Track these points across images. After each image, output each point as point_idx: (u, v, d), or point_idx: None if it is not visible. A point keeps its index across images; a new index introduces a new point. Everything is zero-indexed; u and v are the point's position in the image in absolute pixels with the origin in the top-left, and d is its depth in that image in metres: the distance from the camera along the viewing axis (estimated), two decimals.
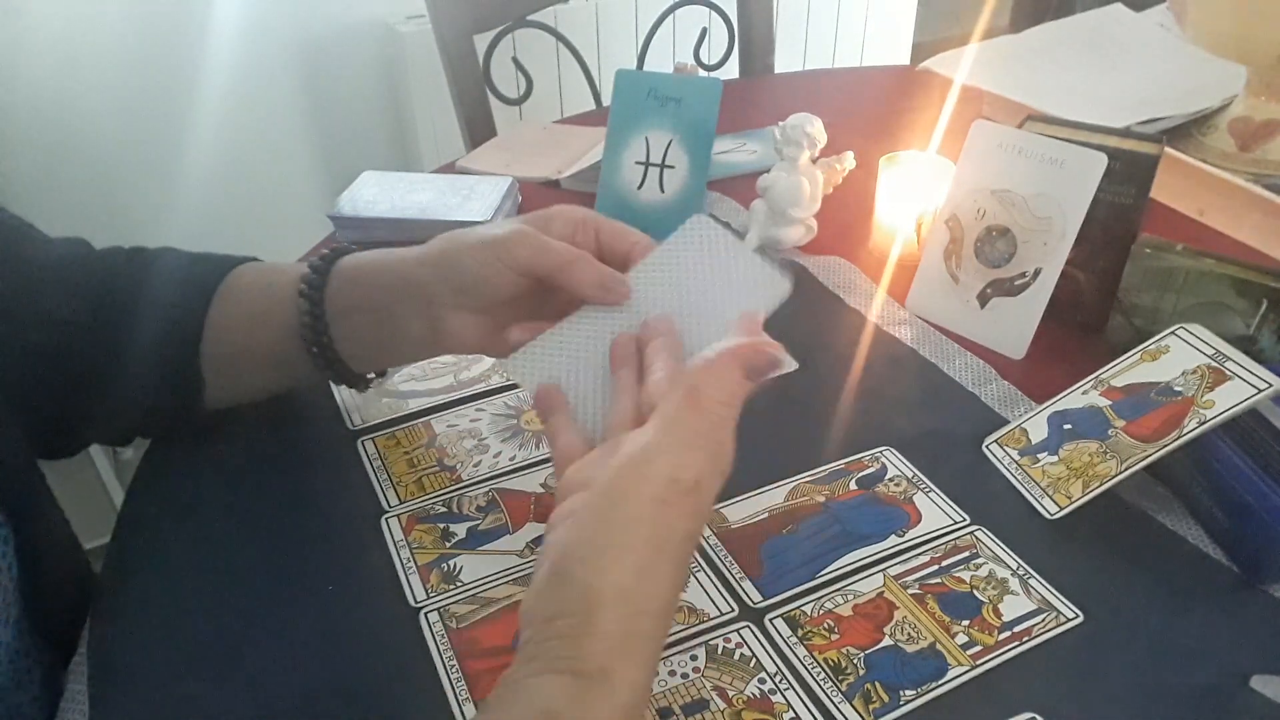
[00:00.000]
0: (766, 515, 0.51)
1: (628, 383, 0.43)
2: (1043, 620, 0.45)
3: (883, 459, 0.55)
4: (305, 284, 0.52)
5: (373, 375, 0.58)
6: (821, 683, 0.43)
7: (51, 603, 0.51)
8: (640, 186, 0.78)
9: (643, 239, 0.49)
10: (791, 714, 0.41)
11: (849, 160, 0.87)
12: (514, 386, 0.62)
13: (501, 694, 0.33)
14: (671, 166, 0.76)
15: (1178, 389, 0.51)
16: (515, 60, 1.28)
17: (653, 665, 0.34)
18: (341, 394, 0.62)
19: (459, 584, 0.48)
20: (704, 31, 1.35)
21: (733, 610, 0.46)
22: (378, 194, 0.83)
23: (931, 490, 0.53)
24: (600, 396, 0.45)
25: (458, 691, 0.43)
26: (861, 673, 0.43)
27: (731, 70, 1.33)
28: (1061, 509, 0.50)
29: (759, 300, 0.45)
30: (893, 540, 0.50)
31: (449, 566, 0.49)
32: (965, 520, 0.51)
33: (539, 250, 0.47)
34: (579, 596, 0.33)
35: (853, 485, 0.53)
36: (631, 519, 0.34)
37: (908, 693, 0.42)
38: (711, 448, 0.35)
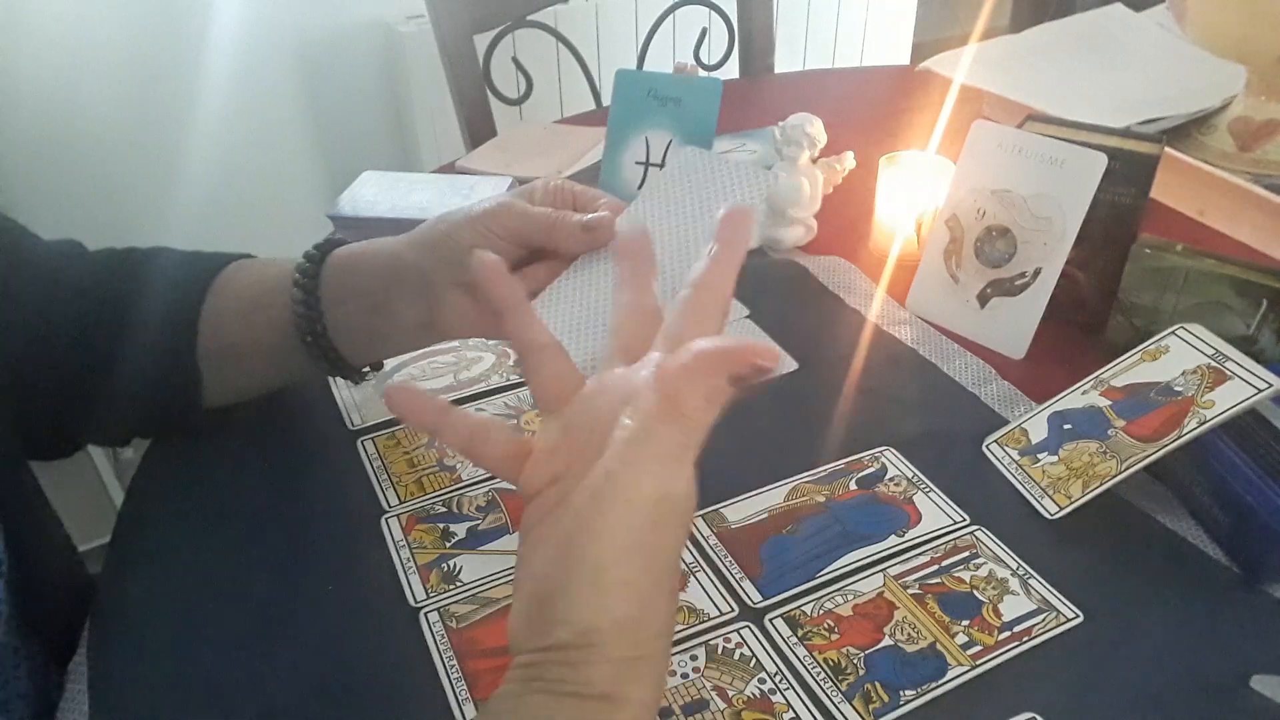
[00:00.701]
0: (766, 515, 0.51)
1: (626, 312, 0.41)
2: (1043, 620, 0.45)
3: (883, 459, 0.55)
4: (299, 273, 0.52)
5: (367, 369, 0.58)
6: (821, 683, 0.42)
7: (44, 601, 0.51)
8: (640, 186, 0.77)
9: (611, 199, 0.51)
10: (791, 714, 0.41)
11: (849, 160, 0.87)
12: (514, 386, 0.62)
13: (501, 706, 0.32)
14: None
15: (1178, 389, 0.51)
16: (515, 60, 1.28)
17: (661, 681, 0.33)
18: (341, 394, 0.62)
19: (459, 584, 0.48)
20: (704, 31, 1.35)
21: (733, 610, 0.46)
22: (378, 194, 0.83)
23: (931, 490, 0.53)
24: (598, 341, 0.45)
25: (458, 691, 0.42)
26: (861, 673, 0.43)
27: (731, 70, 1.33)
28: (1061, 509, 0.50)
29: (739, 199, 0.47)
30: (893, 540, 0.50)
31: (449, 566, 0.49)
32: (965, 520, 0.51)
33: (526, 217, 0.49)
34: (577, 634, 0.31)
35: (853, 485, 0.53)
36: (623, 550, 0.31)
37: (908, 693, 0.42)
38: (691, 454, 0.32)
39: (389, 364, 0.63)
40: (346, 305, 0.52)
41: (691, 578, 0.48)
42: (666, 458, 0.32)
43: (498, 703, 0.32)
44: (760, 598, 0.47)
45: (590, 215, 0.49)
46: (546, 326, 0.41)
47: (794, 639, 0.45)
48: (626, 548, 0.31)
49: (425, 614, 0.46)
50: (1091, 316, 0.65)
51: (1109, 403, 0.54)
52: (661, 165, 0.77)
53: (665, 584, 0.33)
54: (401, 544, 0.51)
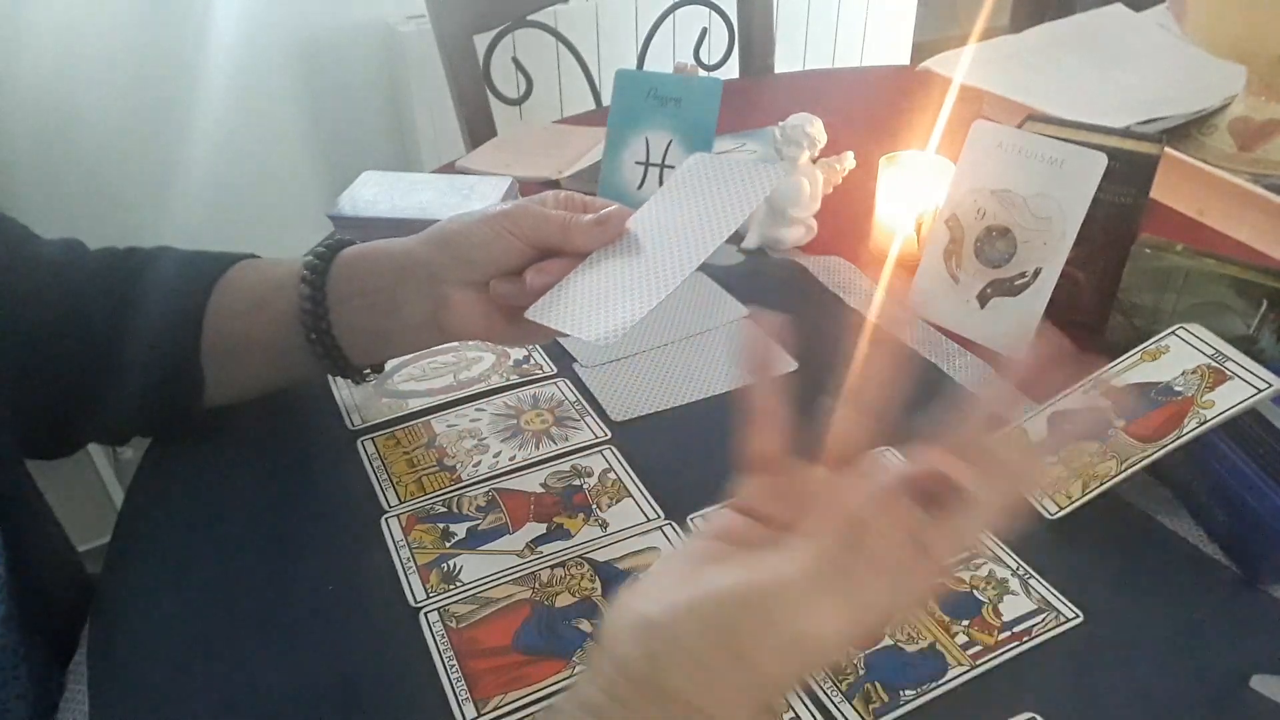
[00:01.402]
0: None
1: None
2: (1043, 620, 0.45)
3: (883, 459, 0.55)
4: (307, 270, 0.53)
5: (369, 370, 0.58)
6: (821, 683, 0.42)
7: (43, 601, 0.51)
8: (640, 186, 0.78)
9: (621, 205, 0.52)
10: (791, 714, 0.41)
11: (849, 160, 0.87)
12: (513, 386, 0.62)
13: None
14: (671, 166, 0.76)
15: (1178, 389, 0.51)
16: (515, 60, 1.28)
17: None
18: (341, 394, 0.62)
19: (459, 584, 0.48)
20: (704, 31, 1.35)
21: None
22: (378, 194, 0.83)
23: None
24: (610, 322, 0.47)
25: (458, 691, 0.42)
26: (861, 673, 0.43)
27: (731, 70, 1.32)
28: (1061, 509, 0.50)
29: (747, 195, 0.49)
30: None
31: (449, 566, 0.49)
32: None
33: (540, 218, 0.50)
34: (657, 690, 0.30)
35: None
36: (739, 659, 0.29)
37: (908, 693, 0.42)
38: (860, 602, 0.30)
39: (390, 363, 0.63)
40: (352, 303, 0.52)
41: None
42: (827, 594, 0.29)
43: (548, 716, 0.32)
44: None
45: (603, 211, 0.51)
46: (566, 312, 0.45)
47: None
48: (741, 658, 0.29)
49: (425, 614, 0.46)
50: (1091, 316, 0.65)
51: (1109, 403, 0.54)
52: (662, 165, 0.77)
53: (756, 705, 0.30)
54: (401, 544, 0.51)
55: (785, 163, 0.74)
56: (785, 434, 0.37)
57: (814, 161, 0.76)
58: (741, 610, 0.30)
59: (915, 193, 0.73)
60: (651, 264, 0.49)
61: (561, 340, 0.66)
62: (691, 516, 0.52)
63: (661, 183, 0.77)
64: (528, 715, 0.41)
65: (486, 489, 0.54)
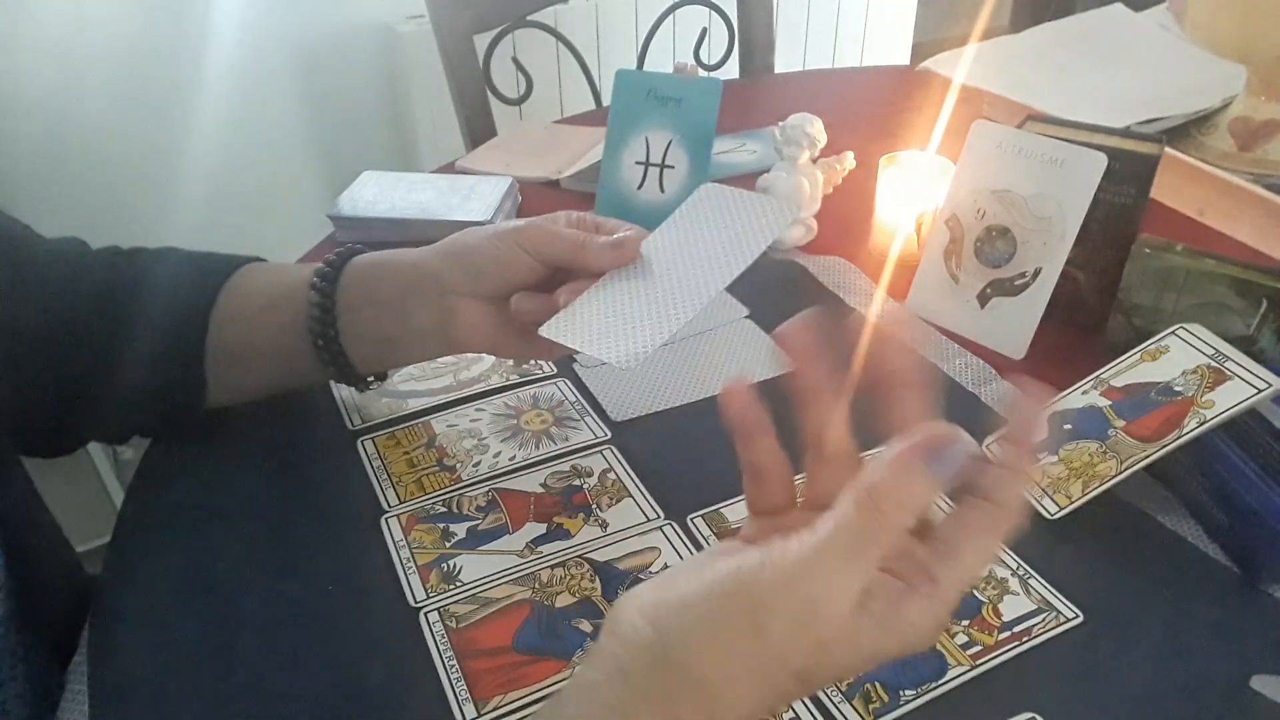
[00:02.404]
0: None
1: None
2: (1043, 620, 0.45)
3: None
4: (318, 277, 0.53)
5: (372, 379, 0.58)
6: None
7: (42, 602, 0.51)
8: (640, 186, 0.78)
9: (634, 227, 0.52)
10: (791, 714, 0.41)
11: (849, 160, 0.87)
12: (513, 387, 0.62)
13: (548, 710, 0.31)
14: (671, 166, 0.77)
15: (1178, 389, 0.51)
16: (515, 60, 1.28)
17: None
18: (341, 394, 0.62)
19: (459, 584, 0.48)
20: (704, 31, 1.35)
21: None
22: (378, 194, 0.83)
23: None
24: (627, 344, 0.47)
25: (458, 691, 0.42)
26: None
27: (731, 70, 1.33)
28: (1061, 509, 0.50)
29: (762, 230, 0.49)
30: None
31: (449, 566, 0.49)
32: None
33: (553, 236, 0.51)
34: (664, 657, 0.30)
35: None
36: (753, 628, 0.29)
37: (908, 693, 0.42)
38: (873, 568, 0.29)
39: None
40: (361, 311, 0.53)
41: None
42: (841, 558, 0.29)
43: (549, 707, 0.32)
44: None
45: (617, 235, 0.51)
46: (581, 331, 0.46)
47: None
48: (754, 627, 0.29)
49: (425, 614, 0.46)
50: (1091, 316, 0.65)
51: (1109, 403, 0.54)
52: (662, 165, 0.77)
53: (764, 688, 0.30)
54: (401, 544, 0.51)
55: (785, 162, 0.74)
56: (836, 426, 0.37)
57: (814, 161, 0.76)
58: (758, 581, 0.29)
59: (915, 193, 0.73)
60: (667, 291, 0.49)
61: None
62: (691, 516, 0.52)
63: (662, 184, 0.77)
64: (528, 715, 0.41)
65: (486, 489, 0.54)
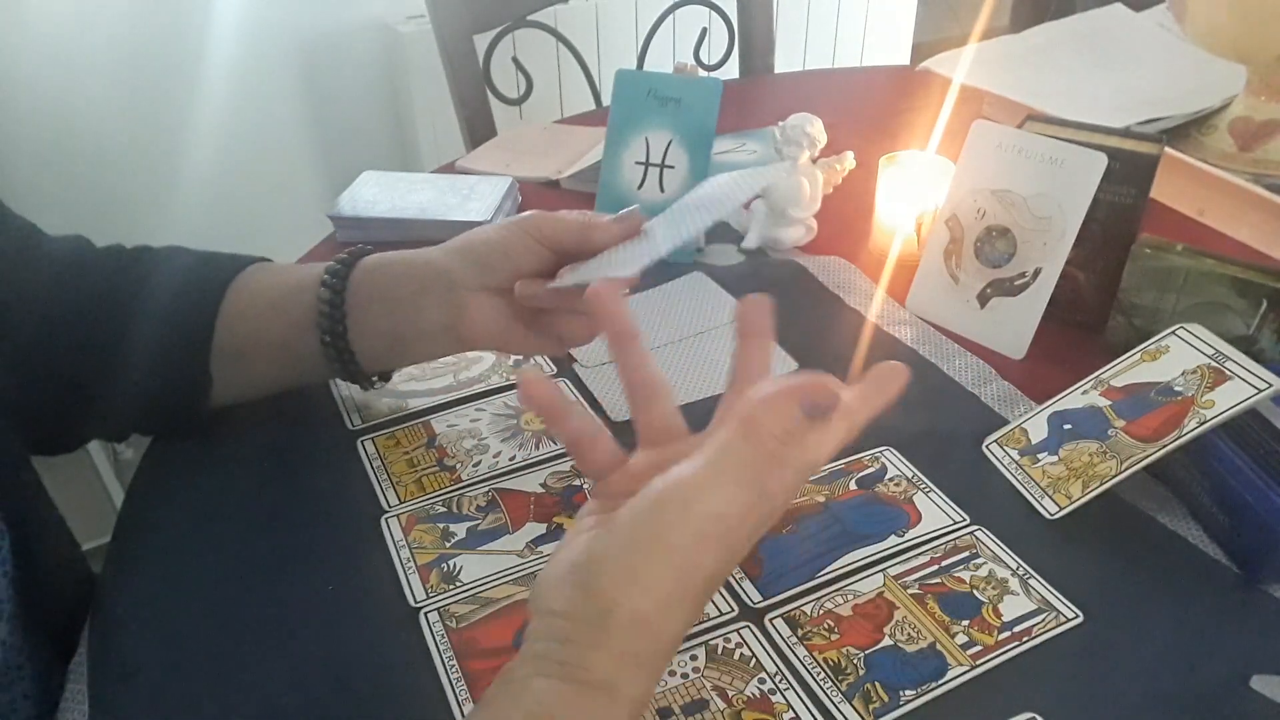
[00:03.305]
0: None
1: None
2: (1043, 620, 0.45)
3: (883, 459, 0.55)
4: (328, 274, 0.53)
5: (377, 378, 0.58)
6: (821, 683, 0.42)
7: (48, 600, 0.51)
8: (640, 186, 0.78)
9: (636, 207, 0.53)
10: (791, 714, 0.41)
11: (849, 160, 0.87)
12: (513, 386, 0.62)
13: (502, 690, 0.34)
14: (671, 166, 0.77)
15: (1178, 389, 0.51)
16: (515, 60, 1.28)
17: (654, 684, 0.35)
18: (341, 394, 0.62)
19: (459, 584, 0.48)
20: (704, 31, 1.35)
21: (732, 610, 0.46)
22: (378, 194, 0.83)
23: (931, 490, 0.53)
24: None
25: (457, 691, 0.42)
26: (861, 673, 0.43)
27: (731, 70, 1.33)
28: (1061, 509, 0.50)
29: (755, 176, 0.52)
30: (892, 540, 0.50)
31: (449, 566, 0.49)
32: (965, 520, 0.51)
33: (560, 220, 0.52)
34: (598, 611, 0.33)
35: (853, 485, 0.53)
36: (667, 550, 0.33)
37: (908, 693, 0.42)
38: (759, 487, 0.34)
39: None
40: (371, 308, 0.53)
41: None
42: (734, 480, 0.34)
43: (499, 686, 0.34)
44: (760, 598, 0.47)
45: (621, 211, 0.52)
46: (586, 272, 0.46)
47: (794, 639, 0.45)
48: (668, 548, 0.33)
49: (425, 614, 0.46)
50: (1091, 316, 0.65)
51: (1109, 403, 0.54)
52: (662, 165, 0.77)
53: (688, 600, 0.34)
54: (401, 544, 0.51)
55: (785, 162, 0.74)
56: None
57: (814, 161, 0.76)
58: (658, 508, 0.34)
59: (915, 193, 0.73)
60: (665, 232, 0.50)
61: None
62: None
63: (662, 184, 0.77)
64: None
65: (486, 489, 0.54)
